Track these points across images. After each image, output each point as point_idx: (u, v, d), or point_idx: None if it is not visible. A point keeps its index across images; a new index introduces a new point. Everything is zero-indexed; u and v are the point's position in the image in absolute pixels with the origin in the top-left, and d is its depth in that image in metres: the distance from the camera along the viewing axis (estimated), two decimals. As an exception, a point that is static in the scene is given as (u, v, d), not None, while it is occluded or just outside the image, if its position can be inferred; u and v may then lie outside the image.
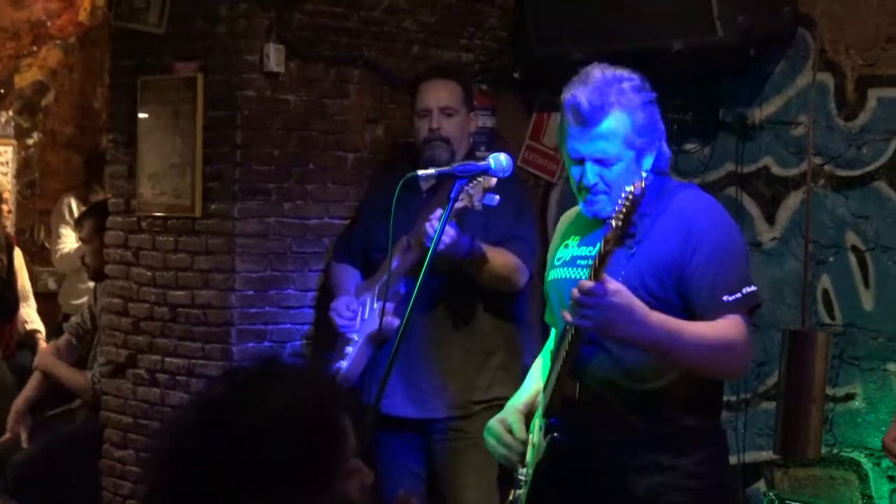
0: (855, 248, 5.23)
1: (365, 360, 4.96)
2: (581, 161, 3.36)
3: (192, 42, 5.37)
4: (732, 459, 5.51)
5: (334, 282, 5.28)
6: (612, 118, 3.32)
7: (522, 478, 3.49)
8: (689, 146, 5.72)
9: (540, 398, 3.51)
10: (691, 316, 3.29)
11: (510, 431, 3.51)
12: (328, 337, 5.24)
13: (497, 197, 4.24)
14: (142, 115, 5.53)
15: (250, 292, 5.32)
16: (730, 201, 5.57)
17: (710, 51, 5.26)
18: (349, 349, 5.00)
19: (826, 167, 5.29)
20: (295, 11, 5.36)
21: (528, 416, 3.57)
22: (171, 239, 5.46)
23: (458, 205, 4.31)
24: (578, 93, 3.33)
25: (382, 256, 4.79)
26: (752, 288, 3.32)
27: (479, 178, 4.09)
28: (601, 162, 3.33)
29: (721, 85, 5.61)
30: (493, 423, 3.57)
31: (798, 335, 4.86)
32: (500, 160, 3.70)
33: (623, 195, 3.01)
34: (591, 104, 3.30)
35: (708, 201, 3.46)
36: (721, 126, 5.62)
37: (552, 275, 3.53)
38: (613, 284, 3.10)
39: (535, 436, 3.48)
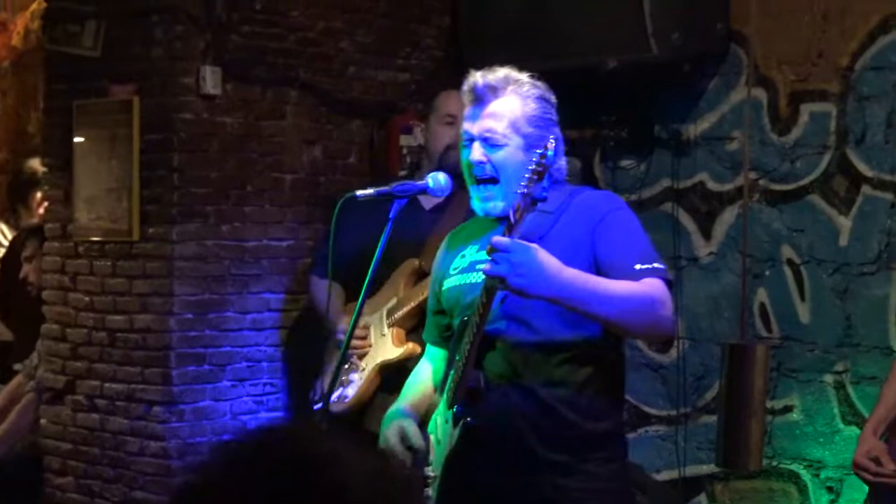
0: (790, 262, 5.29)
1: (374, 388, 4.78)
2: (471, 141, 3.41)
3: (127, 65, 5.35)
4: (673, 474, 5.56)
5: (319, 300, 5.01)
6: (502, 100, 3.38)
7: (430, 474, 3.49)
8: (624, 162, 5.76)
9: (437, 398, 3.52)
10: None
11: (405, 439, 3.50)
12: (301, 363, 5.18)
13: None
14: (77, 139, 5.50)
15: (189, 315, 5.30)
16: (666, 217, 5.61)
17: (644, 67, 5.31)
18: (355, 376, 4.79)
19: (761, 182, 5.35)
20: (231, 33, 5.35)
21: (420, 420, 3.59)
22: (109, 263, 5.43)
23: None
24: (478, 74, 3.42)
25: (383, 275, 4.71)
26: (663, 266, 3.33)
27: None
28: (487, 141, 3.38)
29: (656, 101, 5.65)
30: (390, 434, 3.52)
31: (737, 348, 4.90)
32: (438, 179, 3.68)
33: (533, 159, 3.05)
34: (486, 84, 3.38)
35: (611, 195, 3.59)
36: (656, 142, 5.66)
37: (448, 283, 3.54)
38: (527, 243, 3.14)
39: (440, 431, 3.48)
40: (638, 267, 3.27)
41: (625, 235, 3.35)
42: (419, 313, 4.67)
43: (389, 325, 4.75)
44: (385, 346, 4.75)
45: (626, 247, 3.32)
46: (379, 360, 4.74)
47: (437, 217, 4.74)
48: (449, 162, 4.63)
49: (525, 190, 3.03)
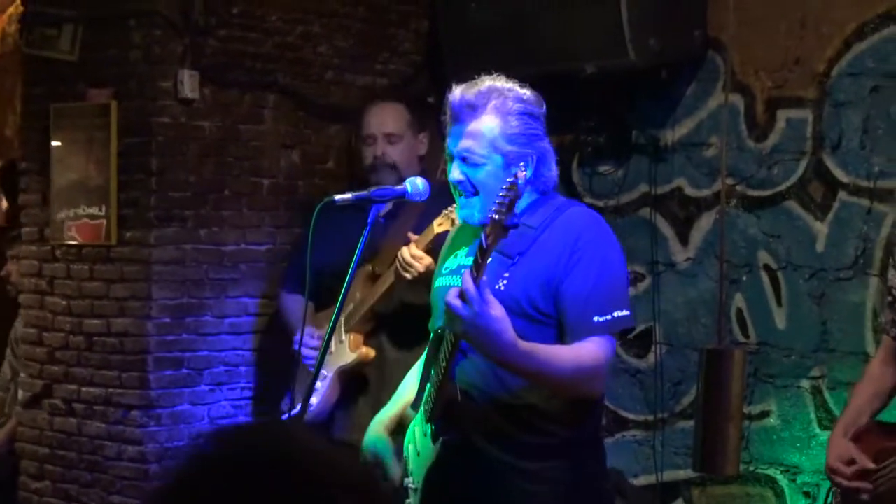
0: (767, 268, 5.30)
1: (336, 395, 4.89)
2: (452, 158, 3.41)
3: (105, 69, 5.34)
4: (650, 479, 5.56)
5: (288, 315, 5.19)
6: (481, 120, 3.35)
7: (411, 486, 3.52)
8: (602, 168, 5.77)
9: (419, 405, 3.55)
10: (561, 331, 3.32)
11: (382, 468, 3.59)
12: (279, 368, 5.19)
13: None
14: (55, 143, 5.49)
15: (167, 320, 5.29)
16: (644, 222, 5.62)
17: (622, 73, 5.32)
18: (318, 384, 4.86)
19: (738, 187, 5.36)
20: (209, 37, 5.34)
21: (400, 427, 3.68)
22: (87, 267, 5.41)
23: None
24: (458, 90, 3.39)
25: (340, 283, 4.74)
26: (625, 312, 3.33)
27: (440, 220, 4.14)
28: (466, 161, 3.37)
29: (633, 107, 5.66)
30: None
31: (714, 353, 4.91)
32: (416, 184, 3.69)
33: (503, 185, 2.99)
34: (464, 102, 3.35)
35: (596, 219, 3.48)
36: (634, 148, 5.67)
37: (437, 283, 3.58)
38: (492, 298, 3.08)
39: (419, 443, 3.52)
40: (596, 319, 3.28)
41: (594, 276, 3.31)
42: (374, 317, 4.76)
43: (347, 331, 4.84)
44: (343, 353, 4.85)
45: (592, 292, 3.30)
46: (336, 367, 4.84)
47: (390, 223, 4.78)
48: (375, 182, 4.90)
49: (496, 217, 2.97)
